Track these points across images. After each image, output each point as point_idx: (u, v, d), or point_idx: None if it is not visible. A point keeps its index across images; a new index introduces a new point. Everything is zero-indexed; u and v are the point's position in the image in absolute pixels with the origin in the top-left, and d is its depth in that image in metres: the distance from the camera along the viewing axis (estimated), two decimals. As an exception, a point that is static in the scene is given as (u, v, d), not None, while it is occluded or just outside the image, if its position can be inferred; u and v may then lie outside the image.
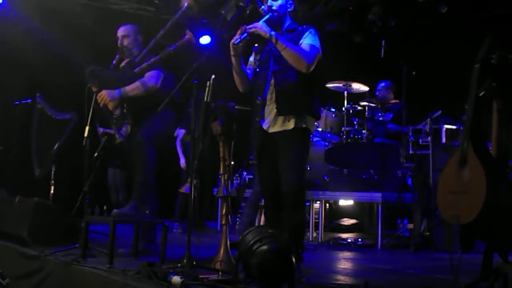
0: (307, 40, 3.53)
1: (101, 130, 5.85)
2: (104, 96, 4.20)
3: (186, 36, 3.83)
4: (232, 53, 3.56)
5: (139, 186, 4.16)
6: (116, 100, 4.27)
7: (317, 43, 3.55)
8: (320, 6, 7.93)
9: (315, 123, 4.60)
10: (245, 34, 3.45)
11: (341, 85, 6.66)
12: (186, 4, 4.27)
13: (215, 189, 6.56)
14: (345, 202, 7.20)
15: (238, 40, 3.46)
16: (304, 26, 3.64)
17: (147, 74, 4.31)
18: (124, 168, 6.16)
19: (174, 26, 4.33)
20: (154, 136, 4.26)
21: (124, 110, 4.38)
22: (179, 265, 3.33)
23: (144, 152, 4.15)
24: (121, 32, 4.56)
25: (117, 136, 4.39)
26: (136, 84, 4.28)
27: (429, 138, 5.80)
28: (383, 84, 6.91)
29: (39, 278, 3.84)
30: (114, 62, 4.52)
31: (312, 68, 3.48)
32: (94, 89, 4.28)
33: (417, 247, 5.14)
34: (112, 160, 6.27)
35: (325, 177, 6.37)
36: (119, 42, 4.54)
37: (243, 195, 6.98)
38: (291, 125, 3.54)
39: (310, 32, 3.58)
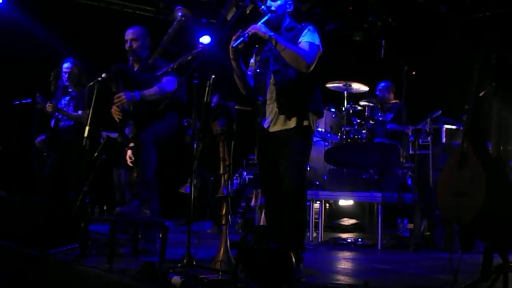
0: (306, 38, 3.52)
1: (104, 134, 5.86)
2: (123, 98, 4.23)
3: (200, 48, 3.83)
4: (231, 56, 3.56)
5: (139, 186, 4.18)
6: (133, 103, 4.29)
7: (316, 40, 3.54)
8: (320, 6, 7.95)
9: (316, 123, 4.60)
10: (244, 37, 3.45)
11: (341, 85, 6.66)
12: (180, 14, 4.31)
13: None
14: (345, 202, 7.20)
15: (237, 43, 3.46)
16: (303, 24, 3.63)
17: (165, 80, 4.35)
18: (128, 168, 6.16)
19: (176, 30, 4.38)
20: (155, 139, 4.27)
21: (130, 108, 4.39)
22: (179, 265, 3.33)
23: (145, 153, 4.17)
24: (129, 35, 4.53)
25: (120, 136, 4.40)
26: (155, 89, 4.31)
27: (429, 138, 5.80)
28: (383, 84, 6.91)
29: (39, 278, 3.84)
30: (130, 64, 4.54)
31: (312, 67, 3.48)
32: (113, 89, 4.30)
33: (417, 247, 5.14)
34: (115, 160, 6.28)
35: (325, 177, 6.36)
36: (127, 45, 4.52)
37: (243, 195, 6.98)
38: (292, 123, 3.53)
39: (309, 29, 3.57)
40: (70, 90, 5.69)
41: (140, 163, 4.19)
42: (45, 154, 5.61)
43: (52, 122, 5.63)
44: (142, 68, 4.50)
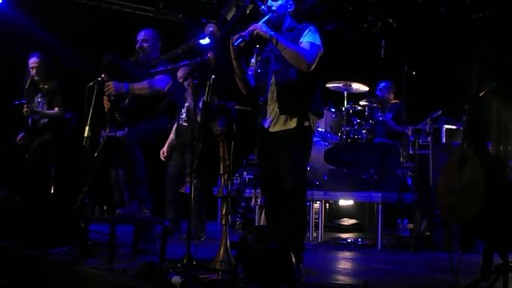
0: (307, 38, 3.53)
1: (103, 133, 5.86)
2: (111, 87, 4.23)
3: (208, 56, 3.83)
4: (232, 55, 3.56)
5: (134, 186, 4.19)
6: (120, 94, 4.30)
7: (317, 40, 3.54)
8: (320, 6, 7.94)
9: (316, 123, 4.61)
10: (245, 36, 3.45)
11: (341, 85, 6.66)
12: (211, 30, 4.33)
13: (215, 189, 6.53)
14: (345, 202, 7.20)
15: (238, 41, 3.46)
16: (304, 24, 3.63)
17: (157, 77, 4.38)
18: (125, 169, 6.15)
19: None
20: (138, 138, 4.27)
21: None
22: (179, 265, 3.33)
23: (131, 152, 4.18)
24: (141, 36, 4.60)
25: (108, 127, 4.42)
26: (144, 83, 4.33)
27: (429, 138, 5.80)
28: (383, 84, 6.92)
29: (39, 278, 3.84)
30: (132, 58, 4.56)
31: (313, 66, 3.48)
32: (105, 78, 4.31)
33: (417, 247, 5.14)
34: (112, 160, 6.28)
35: (325, 177, 6.36)
36: (138, 45, 4.57)
37: (243, 195, 6.97)
38: (293, 124, 3.53)
39: (310, 29, 3.57)
40: (40, 86, 5.64)
41: (129, 163, 4.20)
42: (26, 155, 5.63)
43: (29, 122, 5.64)
44: (140, 64, 4.52)
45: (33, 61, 5.59)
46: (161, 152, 5.82)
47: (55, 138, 5.59)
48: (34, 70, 5.58)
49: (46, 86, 5.60)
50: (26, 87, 5.53)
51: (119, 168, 6.13)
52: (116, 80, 4.26)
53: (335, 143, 6.51)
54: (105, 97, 4.33)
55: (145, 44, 4.56)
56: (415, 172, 5.62)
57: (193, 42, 4.33)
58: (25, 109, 5.44)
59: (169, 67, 4.31)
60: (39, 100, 5.62)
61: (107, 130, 4.44)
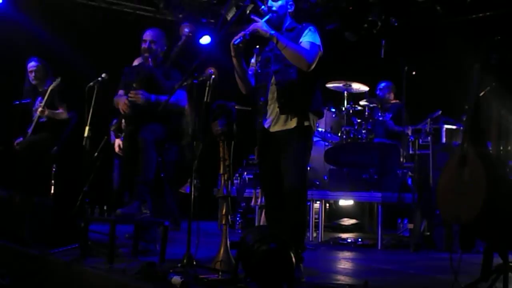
0: (307, 38, 3.53)
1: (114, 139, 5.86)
2: (139, 97, 4.25)
3: (211, 71, 3.83)
4: (232, 54, 3.56)
5: (139, 185, 4.18)
6: (145, 103, 4.31)
7: (317, 40, 3.54)
8: (320, 6, 7.95)
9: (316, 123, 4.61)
10: (245, 34, 3.45)
11: (341, 85, 6.66)
12: (187, 30, 4.34)
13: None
14: (345, 202, 7.20)
15: (238, 40, 3.46)
16: (304, 24, 3.63)
17: (181, 93, 4.36)
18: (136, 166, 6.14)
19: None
20: (155, 139, 4.27)
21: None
22: (179, 265, 3.33)
23: (145, 152, 4.17)
24: (149, 36, 4.52)
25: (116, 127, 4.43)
26: (172, 99, 4.27)
27: (429, 138, 5.80)
28: (384, 84, 6.92)
29: (39, 278, 3.84)
30: (151, 64, 4.52)
31: (313, 66, 3.48)
32: (135, 85, 4.33)
33: (417, 247, 5.14)
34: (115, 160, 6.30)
35: (325, 177, 6.37)
36: (146, 46, 4.50)
37: (243, 195, 6.98)
38: (293, 123, 3.53)
39: (310, 29, 3.57)
40: (40, 90, 5.66)
41: (141, 163, 4.19)
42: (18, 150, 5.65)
43: (30, 128, 5.65)
44: (163, 73, 4.50)
45: (32, 65, 5.64)
46: (116, 145, 5.60)
47: (53, 137, 5.60)
48: (33, 74, 5.62)
49: (44, 88, 5.62)
50: (29, 91, 5.60)
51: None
52: (146, 90, 4.28)
53: (335, 143, 6.51)
54: (125, 101, 4.32)
55: (153, 46, 4.49)
56: (415, 172, 5.62)
57: (181, 44, 4.38)
58: (40, 108, 5.47)
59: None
60: (41, 102, 5.64)
61: (115, 130, 4.46)
